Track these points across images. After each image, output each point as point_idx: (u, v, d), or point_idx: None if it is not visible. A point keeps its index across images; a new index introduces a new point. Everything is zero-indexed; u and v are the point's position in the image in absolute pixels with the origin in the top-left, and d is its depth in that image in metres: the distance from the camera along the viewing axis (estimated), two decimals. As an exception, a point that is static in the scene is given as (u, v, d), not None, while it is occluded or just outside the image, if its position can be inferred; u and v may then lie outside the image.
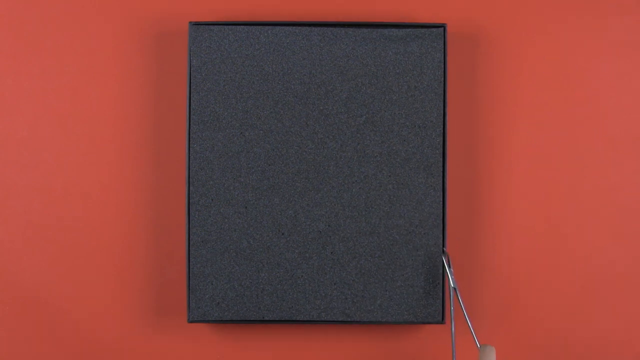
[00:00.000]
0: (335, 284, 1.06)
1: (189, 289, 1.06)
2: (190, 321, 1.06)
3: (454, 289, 1.03)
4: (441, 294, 1.07)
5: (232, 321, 1.06)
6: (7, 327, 1.10)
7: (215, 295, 1.06)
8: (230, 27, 1.07)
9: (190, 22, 1.07)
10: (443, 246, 1.06)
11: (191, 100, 1.07)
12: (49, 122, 1.11)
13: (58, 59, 1.11)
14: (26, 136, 1.11)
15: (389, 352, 1.11)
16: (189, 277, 1.06)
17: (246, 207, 1.06)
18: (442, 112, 1.07)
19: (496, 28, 1.12)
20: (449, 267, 1.04)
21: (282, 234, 1.06)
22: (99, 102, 1.11)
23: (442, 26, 1.07)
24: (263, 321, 1.06)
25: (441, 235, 1.06)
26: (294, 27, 1.07)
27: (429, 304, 1.06)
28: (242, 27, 1.07)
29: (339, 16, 1.11)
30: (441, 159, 1.07)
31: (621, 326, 1.11)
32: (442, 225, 1.06)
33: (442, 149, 1.07)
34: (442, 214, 1.06)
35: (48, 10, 1.11)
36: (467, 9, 1.12)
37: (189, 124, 1.06)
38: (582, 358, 1.11)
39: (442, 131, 1.07)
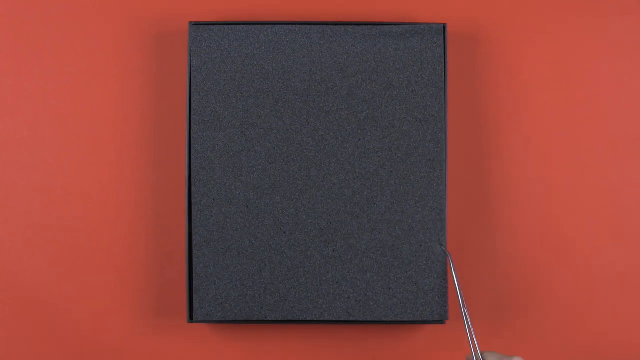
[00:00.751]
0: (337, 282, 1.06)
1: (193, 289, 1.06)
2: (194, 321, 1.06)
3: (458, 291, 1.01)
4: (446, 292, 1.06)
5: (235, 321, 1.06)
6: (7, 327, 1.10)
7: (218, 296, 1.06)
8: (230, 27, 1.07)
9: (190, 22, 1.07)
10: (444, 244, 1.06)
11: (191, 100, 1.06)
12: (49, 122, 1.10)
13: (58, 59, 1.11)
14: (26, 136, 1.10)
15: (392, 352, 1.11)
16: (192, 277, 1.06)
17: (248, 206, 1.06)
18: (443, 105, 1.06)
19: (496, 28, 1.12)
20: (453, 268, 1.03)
21: (284, 232, 1.06)
22: (99, 102, 1.11)
23: (442, 26, 1.07)
24: (266, 321, 1.06)
25: (444, 231, 1.06)
26: (294, 26, 1.07)
27: (433, 302, 1.06)
28: (242, 26, 1.07)
29: (338, 16, 1.11)
30: (443, 154, 1.06)
31: (621, 326, 1.11)
32: (444, 220, 1.06)
33: (444, 143, 1.06)
34: (444, 209, 1.06)
35: (48, 10, 1.11)
36: (467, 8, 1.12)
37: (190, 124, 1.06)
38: (582, 358, 1.11)
39: (444, 125, 1.06)
